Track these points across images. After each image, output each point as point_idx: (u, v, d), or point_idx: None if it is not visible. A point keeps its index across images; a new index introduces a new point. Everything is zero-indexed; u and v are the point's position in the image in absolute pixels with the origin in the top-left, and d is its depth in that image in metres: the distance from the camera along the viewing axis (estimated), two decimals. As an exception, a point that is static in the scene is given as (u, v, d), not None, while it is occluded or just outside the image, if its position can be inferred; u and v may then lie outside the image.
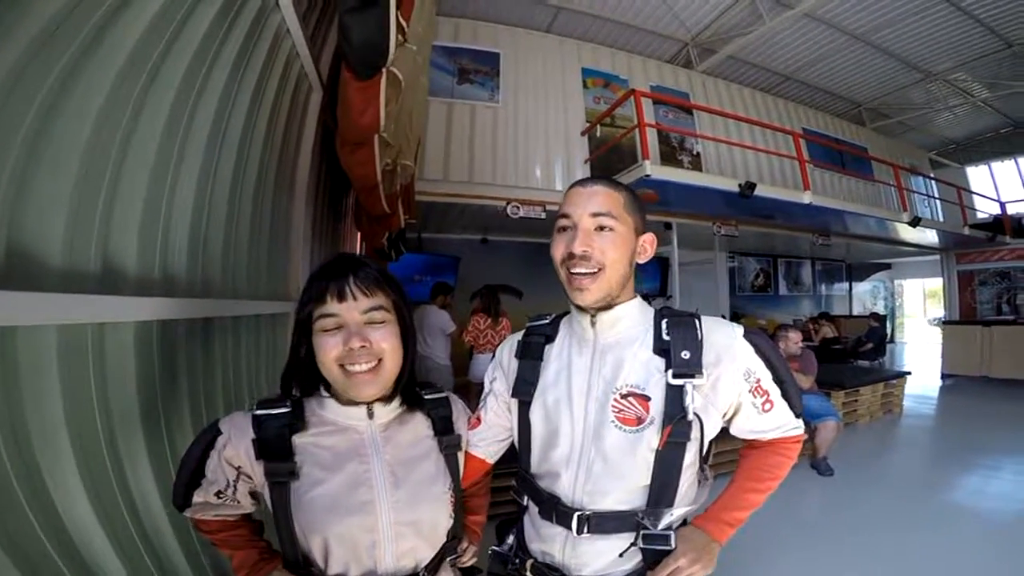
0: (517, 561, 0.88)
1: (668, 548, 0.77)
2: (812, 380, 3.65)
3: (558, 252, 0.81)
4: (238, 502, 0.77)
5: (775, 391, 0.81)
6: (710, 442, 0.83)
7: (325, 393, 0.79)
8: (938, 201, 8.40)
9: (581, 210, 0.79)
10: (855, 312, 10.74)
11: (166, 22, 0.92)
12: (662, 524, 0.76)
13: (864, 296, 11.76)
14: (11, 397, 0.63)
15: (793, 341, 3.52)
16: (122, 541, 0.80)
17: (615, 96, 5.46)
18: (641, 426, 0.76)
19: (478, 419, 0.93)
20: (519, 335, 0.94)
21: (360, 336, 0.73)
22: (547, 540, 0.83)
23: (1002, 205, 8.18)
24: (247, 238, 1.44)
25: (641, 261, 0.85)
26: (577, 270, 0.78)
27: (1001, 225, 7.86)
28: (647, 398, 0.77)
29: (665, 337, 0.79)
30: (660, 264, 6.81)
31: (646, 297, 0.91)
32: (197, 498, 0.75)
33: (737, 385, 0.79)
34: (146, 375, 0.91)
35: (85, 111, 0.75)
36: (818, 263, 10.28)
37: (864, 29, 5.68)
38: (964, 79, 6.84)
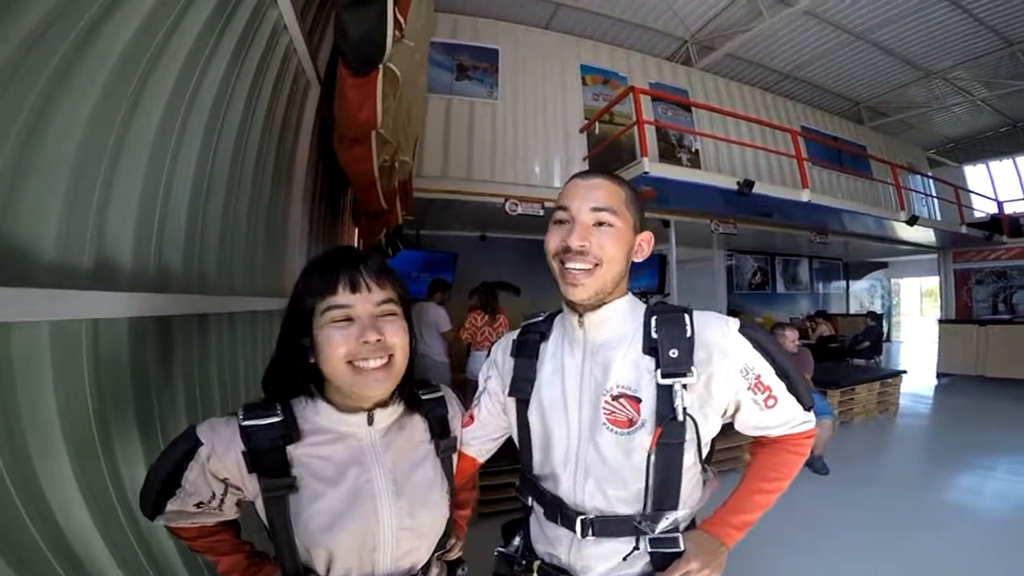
0: (524, 562, 0.87)
1: (677, 550, 0.75)
2: (808, 378, 3.65)
3: (552, 244, 0.78)
4: (222, 512, 0.73)
5: (779, 386, 0.77)
6: (712, 441, 0.81)
7: (320, 397, 0.74)
8: (936, 200, 8.41)
9: (581, 203, 0.77)
10: (852, 311, 10.75)
11: (162, 17, 0.91)
12: (660, 527, 0.74)
13: (861, 295, 11.78)
14: (4, 395, 0.62)
15: (789, 339, 3.52)
16: (116, 539, 0.80)
17: (614, 93, 5.44)
18: (633, 428, 0.74)
19: (471, 417, 0.91)
20: (514, 334, 0.92)
21: (376, 329, 0.69)
22: (553, 542, 0.82)
23: (999, 204, 8.23)
24: (243, 234, 1.43)
25: (638, 260, 0.83)
26: (572, 264, 0.75)
27: (998, 224, 7.89)
28: (638, 399, 0.75)
29: (654, 336, 0.75)
30: (658, 261, 6.82)
31: (643, 295, 0.89)
32: (171, 507, 0.70)
33: (734, 382, 0.76)
34: (141, 371, 0.90)
35: (80, 106, 0.74)
36: (816, 261, 10.31)
37: (864, 27, 5.67)
38: (963, 78, 6.84)
